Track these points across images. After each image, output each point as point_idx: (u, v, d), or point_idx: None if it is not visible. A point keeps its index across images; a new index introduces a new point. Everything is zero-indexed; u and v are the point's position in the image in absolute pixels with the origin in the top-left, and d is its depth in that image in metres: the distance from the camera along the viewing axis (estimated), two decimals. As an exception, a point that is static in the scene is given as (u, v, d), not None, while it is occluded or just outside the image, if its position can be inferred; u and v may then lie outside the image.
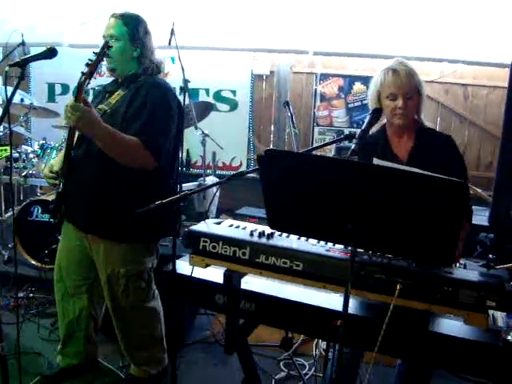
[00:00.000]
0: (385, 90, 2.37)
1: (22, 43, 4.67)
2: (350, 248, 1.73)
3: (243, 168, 5.95)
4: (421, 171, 1.61)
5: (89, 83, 2.50)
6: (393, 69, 2.35)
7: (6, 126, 3.41)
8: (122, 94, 2.72)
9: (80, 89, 2.42)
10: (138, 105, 2.63)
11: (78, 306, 3.00)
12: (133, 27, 2.74)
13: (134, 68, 2.79)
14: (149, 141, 2.57)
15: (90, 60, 2.46)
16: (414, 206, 1.58)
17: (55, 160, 2.88)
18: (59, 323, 3.13)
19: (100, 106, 2.72)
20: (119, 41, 2.71)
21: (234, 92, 6.17)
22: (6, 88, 2.21)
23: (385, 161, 1.89)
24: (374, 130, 2.46)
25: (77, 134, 2.67)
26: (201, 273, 2.18)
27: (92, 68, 2.46)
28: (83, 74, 2.46)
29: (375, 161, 1.85)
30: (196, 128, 4.79)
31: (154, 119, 2.61)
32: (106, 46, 2.51)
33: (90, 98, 2.98)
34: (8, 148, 3.06)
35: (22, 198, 5.20)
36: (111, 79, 2.97)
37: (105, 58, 2.66)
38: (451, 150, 2.42)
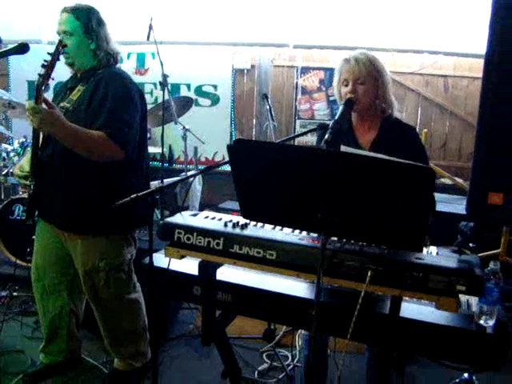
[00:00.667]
0: (340, 78, 2.46)
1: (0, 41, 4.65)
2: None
3: (226, 162, 5.92)
4: (388, 157, 1.63)
5: (47, 84, 2.47)
6: (345, 58, 2.44)
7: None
8: (82, 90, 2.70)
9: (39, 90, 2.39)
10: (99, 98, 2.62)
11: (57, 303, 3.00)
12: (86, 20, 2.70)
13: (92, 60, 2.75)
14: (114, 133, 2.56)
15: (45, 61, 2.42)
16: (382, 192, 1.61)
17: (24, 160, 2.85)
18: (41, 322, 3.13)
19: (62, 104, 2.70)
20: (73, 36, 2.68)
21: (215, 86, 6.16)
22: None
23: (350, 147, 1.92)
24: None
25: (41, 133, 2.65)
26: (179, 265, 2.19)
27: (49, 69, 2.43)
28: (40, 75, 2.43)
29: (343, 148, 1.87)
30: (176, 123, 4.79)
31: (117, 111, 2.60)
32: (61, 46, 2.48)
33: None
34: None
35: (2, 197, 5.17)
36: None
37: (62, 54, 2.65)
38: (413, 142, 2.46)
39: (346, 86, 2.41)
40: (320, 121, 5.94)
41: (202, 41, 5.89)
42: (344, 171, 1.60)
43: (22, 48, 2.30)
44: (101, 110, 2.59)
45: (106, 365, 3.25)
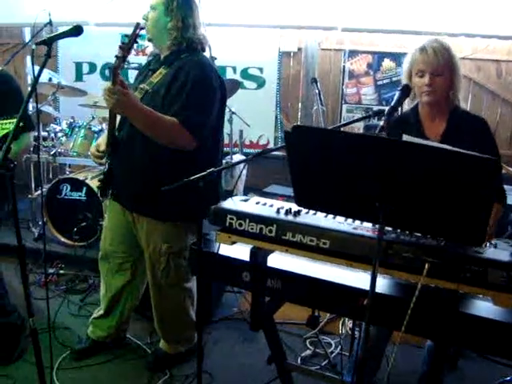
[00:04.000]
0: (414, 68, 2.39)
1: (50, 23, 4.68)
2: (377, 226, 1.71)
3: (270, 146, 5.87)
4: (450, 147, 1.57)
5: (123, 67, 2.46)
6: (421, 47, 2.36)
7: (35, 105, 3.43)
8: (163, 73, 2.68)
9: (115, 72, 2.39)
10: (179, 85, 2.59)
11: (120, 282, 3.07)
12: None
13: (167, 40, 2.69)
14: (187, 121, 2.54)
15: (122, 43, 2.41)
16: (443, 183, 1.55)
17: (101, 139, 2.87)
18: (101, 296, 3.19)
19: (142, 86, 2.69)
20: (155, 10, 2.66)
21: (261, 69, 6.10)
22: (33, 67, 2.19)
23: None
24: (406, 108, 2.45)
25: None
26: (228, 250, 2.18)
27: (125, 52, 2.41)
28: (117, 57, 2.41)
29: (405, 137, 1.82)
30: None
31: (193, 98, 2.57)
32: (138, 28, 2.44)
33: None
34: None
35: (51, 177, 5.27)
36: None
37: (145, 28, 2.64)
38: (485, 135, 2.37)
39: (421, 77, 2.35)
40: (367, 105, 5.85)
41: (248, 23, 5.81)
42: (404, 160, 1.55)
43: (77, 30, 2.29)
44: (178, 96, 2.57)
45: (149, 345, 3.30)
